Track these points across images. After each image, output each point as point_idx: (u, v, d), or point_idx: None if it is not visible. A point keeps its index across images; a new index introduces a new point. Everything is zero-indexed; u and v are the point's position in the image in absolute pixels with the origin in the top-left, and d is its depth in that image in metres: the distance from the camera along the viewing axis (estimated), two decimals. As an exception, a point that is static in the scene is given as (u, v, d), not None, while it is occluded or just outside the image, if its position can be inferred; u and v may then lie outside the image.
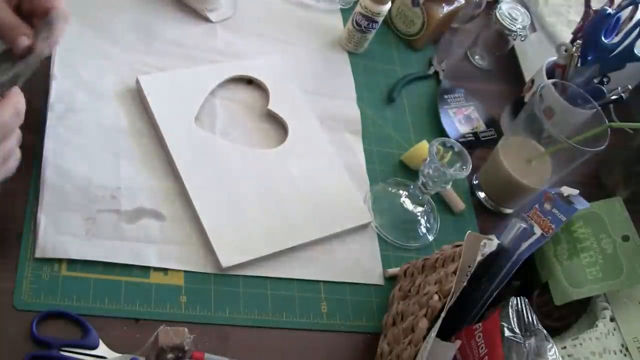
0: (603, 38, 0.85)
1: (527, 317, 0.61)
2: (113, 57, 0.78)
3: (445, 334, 0.62)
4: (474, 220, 0.86)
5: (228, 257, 0.68)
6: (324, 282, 0.73)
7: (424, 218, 0.82)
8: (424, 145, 0.85)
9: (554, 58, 0.92)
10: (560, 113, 0.83)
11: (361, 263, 0.76)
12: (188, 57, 0.83)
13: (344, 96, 0.90)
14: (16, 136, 0.55)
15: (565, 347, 0.66)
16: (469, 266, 0.61)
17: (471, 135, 0.94)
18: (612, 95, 0.87)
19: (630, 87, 0.88)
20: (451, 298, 0.60)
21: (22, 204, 0.64)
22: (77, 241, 0.63)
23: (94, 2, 0.82)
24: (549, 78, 0.89)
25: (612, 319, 0.66)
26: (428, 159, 0.73)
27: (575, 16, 1.07)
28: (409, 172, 0.86)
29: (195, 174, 0.72)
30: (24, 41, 0.60)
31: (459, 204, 0.85)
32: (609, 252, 0.66)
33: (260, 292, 0.69)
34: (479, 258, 0.61)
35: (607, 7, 0.85)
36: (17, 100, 0.54)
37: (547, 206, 0.66)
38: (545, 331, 0.60)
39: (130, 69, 0.78)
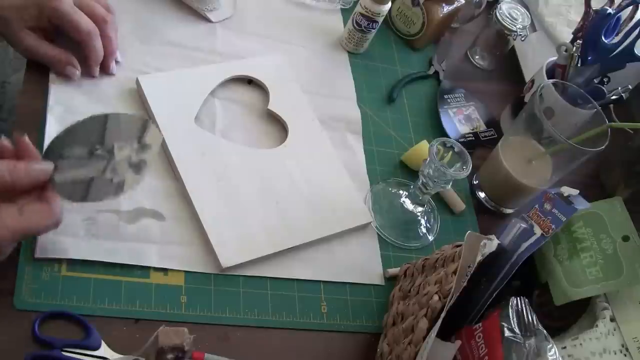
0: (603, 38, 0.85)
1: (527, 317, 0.61)
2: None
3: (445, 334, 0.63)
4: (474, 220, 0.86)
5: (228, 257, 0.68)
6: (324, 282, 0.73)
7: (424, 218, 0.82)
8: (424, 145, 0.85)
9: (554, 58, 0.92)
10: (561, 113, 0.83)
11: (361, 263, 0.76)
12: (188, 57, 0.83)
13: (344, 96, 0.90)
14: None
15: (565, 347, 0.66)
16: (469, 266, 0.61)
17: (471, 135, 0.94)
18: (612, 95, 0.87)
19: (630, 87, 0.88)
20: (451, 298, 0.60)
21: (22, 204, 0.64)
22: (77, 241, 0.63)
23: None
24: (549, 78, 0.89)
25: (612, 319, 0.66)
26: (428, 159, 0.73)
27: (575, 16, 1.07)
28: (409, 172, 0.86)
29: (195, 174, 0.72)
30: (71, 71, 0.72)
31: (459, 204, 0.85)
32: (609, 252, 0.66)
33: (260, 292, 0.69)
34: (479, 258, 0.61)
35: (607, 7, 0.85)
36: (59, 207, 0.57)
37: (547, 206, 0.66)
38: (545, 331, 0.60)
39: (130, 69, 0.78)
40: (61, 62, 0.71)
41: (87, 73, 0.74)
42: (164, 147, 0.73)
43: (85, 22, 0.70)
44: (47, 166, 0.57)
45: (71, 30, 0.70)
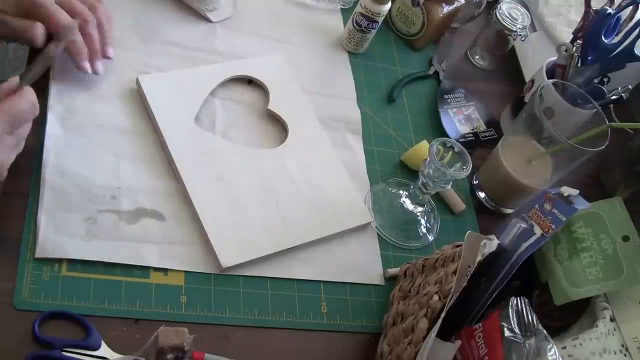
0: (603, 38, 0.85)
1: (527, 317, 0.61)
2: (113, 57, 0.78)
3: (445, 334, 0.63)
4: (474, 220, 0.86)
5: (228, 257, 0.68)
6: (324, 282, 0.73)
7: (424, 218, 0.82)
8: (424, 145, 0.85)
9: (554, 58, 0.92)
10: (561, 113, 0.83)
11: (361, 263, 0.76)
12: (188, 57, 0.83)
13: (344, 96, 0.90)
14: (29, 126, 0.59)
15: (565, 347, 0.66)
16: (469, 266, 0.61)
17: (471, 135, 0.94)
18: (612, 95, 0.87)
19: (630, 87, 0.88)
20: (451, 298, 0.60)
21: (22, 204, 0.64)
22: (77, 241, 0.64)
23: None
24: (549, 78, 0.89)
25: (612, 319, 0.66)
26: (428, 159, 0.73)
27: (575, 16, 1.07)
28: (409, 172, 0.86)
29: (195, 174, 0.72)
30: (38, 29, 0.66)
31: (459, 204, 0.85)
32: (609, 252, 0.66)
33: (260, 292, 0.69)
34: (479, 258, 0.61)
35: (607, 7, 0.85)
36: (31, 93, 0.58)
37: (547, 206, 0.66)
38: (545, 331, 0.60)
39: (130, 69, 0.78)
40: (29, 29, 0.67)
41: (77, 68, 0.71)
42: (163, 146, 0.73)
43: (65, 17, 0.67)
44: (14, 80, 0.58)
45: (49, 25, 0.66)
